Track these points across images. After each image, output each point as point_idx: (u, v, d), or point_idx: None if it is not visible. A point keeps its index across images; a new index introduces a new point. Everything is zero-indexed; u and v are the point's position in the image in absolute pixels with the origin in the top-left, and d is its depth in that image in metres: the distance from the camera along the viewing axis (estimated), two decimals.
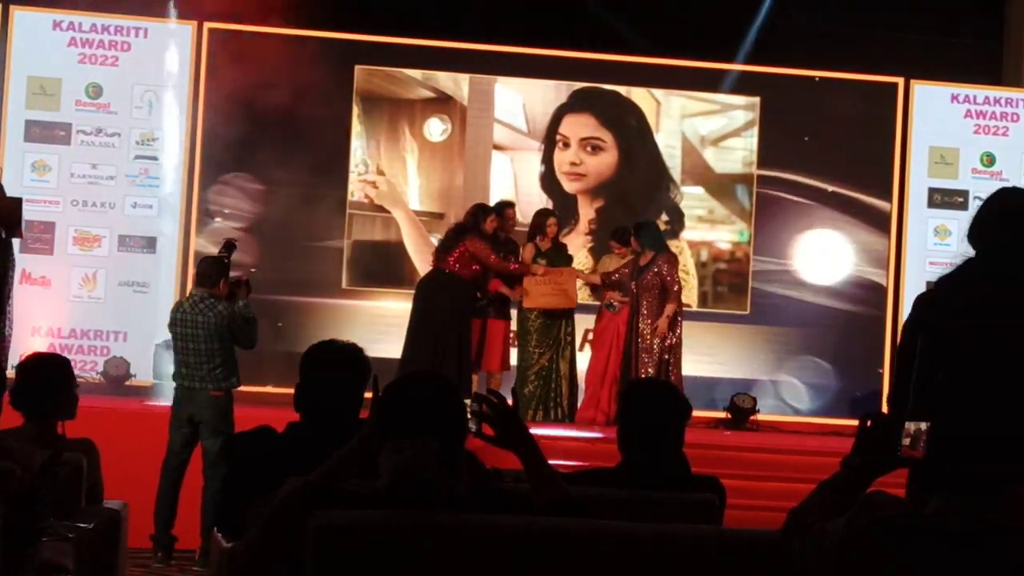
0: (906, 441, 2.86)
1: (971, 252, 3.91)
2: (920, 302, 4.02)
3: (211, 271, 7.61)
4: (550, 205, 11.39)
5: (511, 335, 10.28)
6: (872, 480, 2.91)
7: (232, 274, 7.77)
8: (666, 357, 9.84)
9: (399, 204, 11.68)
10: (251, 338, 7.60)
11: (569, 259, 10.50)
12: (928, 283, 12.63)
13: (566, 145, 11.96)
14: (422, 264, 11.07)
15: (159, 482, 7.45)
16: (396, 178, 11.70)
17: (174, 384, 7.60)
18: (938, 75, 12.09)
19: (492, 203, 11.09)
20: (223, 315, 7.46)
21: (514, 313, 10.25)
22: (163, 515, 7.39)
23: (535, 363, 10.05)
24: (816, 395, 11.74)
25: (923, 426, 2.82)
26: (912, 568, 2.54)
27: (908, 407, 3.75)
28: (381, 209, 11.65)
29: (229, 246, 7.96)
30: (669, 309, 9.84)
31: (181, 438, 7.49)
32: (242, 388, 7.77)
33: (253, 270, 10.78)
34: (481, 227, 9.84)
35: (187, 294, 7.65)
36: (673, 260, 10.13)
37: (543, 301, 10.02)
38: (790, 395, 11.71)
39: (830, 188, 12.03)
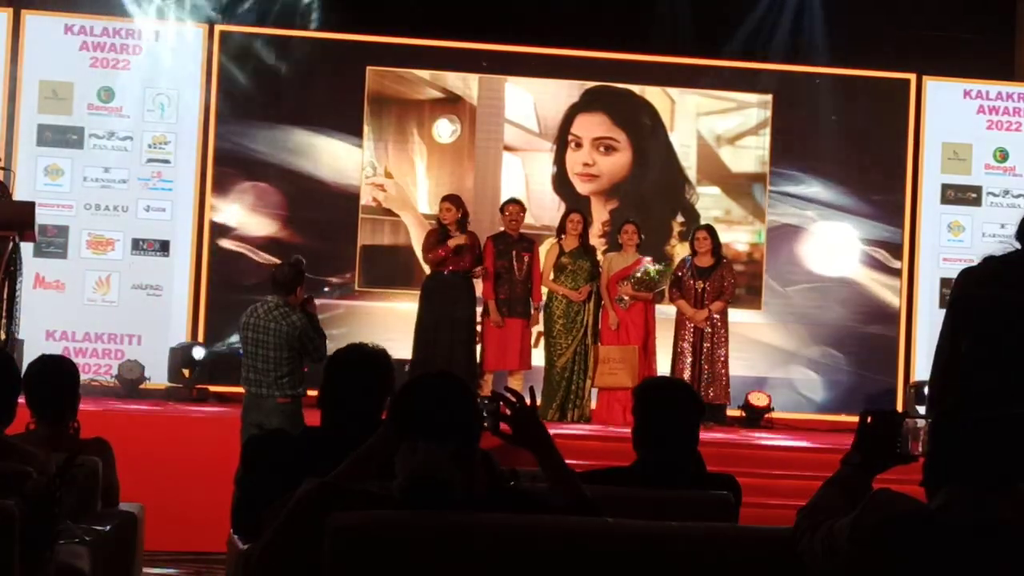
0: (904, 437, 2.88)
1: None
2: (967, 281, 4.03)
3: (288, 279, 7.44)
4: (563, 207, 11.26)
5: (534, 335, 10.23)
6: (873, 477, 2.92)
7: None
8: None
9: (408, 207, 11.64)
10: (322, 352, 7.38)
11: (594, 264, 10.28)
12: (943, 279, 12.51)
13: (578, 145, 11.87)
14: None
15: None
16: (404, 181, 11.65)
17: (242, 389, 7.53)
18: (950, 71, 12.05)
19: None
20: (296, 326, 7.33)
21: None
22: None
23: (560, 358, 10.03)
24: (831, 391, 11.73)
25: (921, 423, 2.84)
26: (921, 564, 2.54)
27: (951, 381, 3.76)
28: (390, 212, 11.62)
29: (298, 263, 7.81)
30: (717, 306, 10.11)
31: None
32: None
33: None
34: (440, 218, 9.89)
35: (264, 299, 7.55)
36: (731, 266, 10.55)
37: (609, 380, 10.02)
38: (805, 388, 11.70)
39: (842, 185, 12.00)
